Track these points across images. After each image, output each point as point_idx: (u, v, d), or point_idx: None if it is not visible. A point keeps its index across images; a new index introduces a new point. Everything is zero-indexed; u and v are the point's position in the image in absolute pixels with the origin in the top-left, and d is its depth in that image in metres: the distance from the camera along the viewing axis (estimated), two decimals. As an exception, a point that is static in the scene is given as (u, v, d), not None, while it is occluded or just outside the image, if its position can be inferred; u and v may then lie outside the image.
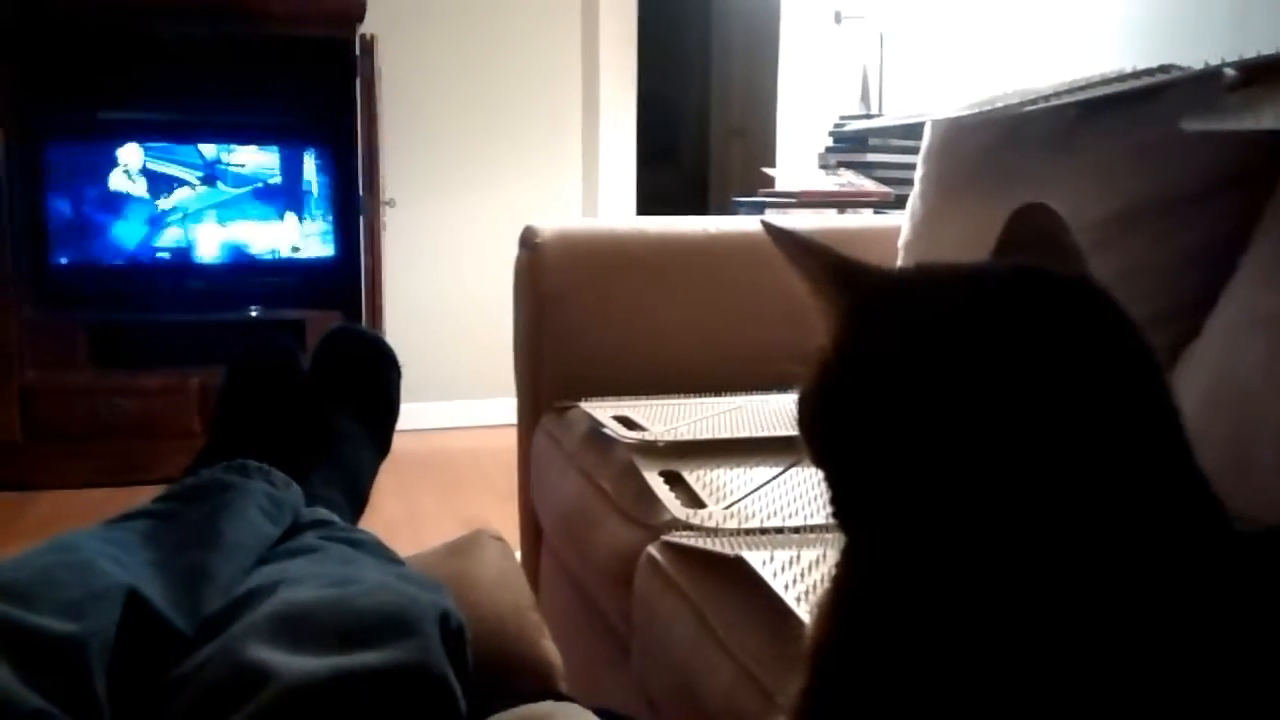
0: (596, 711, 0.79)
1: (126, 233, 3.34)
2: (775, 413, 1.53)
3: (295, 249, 3.47)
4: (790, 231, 0.54)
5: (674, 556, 1.12)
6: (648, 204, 4.04)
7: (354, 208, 3.44)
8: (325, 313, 3.31)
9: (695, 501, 1.23)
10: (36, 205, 3.24)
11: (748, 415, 1.54)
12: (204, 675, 0.70)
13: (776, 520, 1.14)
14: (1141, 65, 1.45)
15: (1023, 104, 1.54)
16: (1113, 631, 0.43)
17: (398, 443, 1.32)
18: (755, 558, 1.00)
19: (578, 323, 1.78)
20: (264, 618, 0.73)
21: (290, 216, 3.45)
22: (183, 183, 3.37)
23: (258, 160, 3.42)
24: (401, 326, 3.61)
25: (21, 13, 3.12)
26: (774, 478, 1.28)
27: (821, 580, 0.95)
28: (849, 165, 2.54)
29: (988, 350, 0.46)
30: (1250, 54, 1.26)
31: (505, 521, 1.95)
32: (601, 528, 1.33)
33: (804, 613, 0.87)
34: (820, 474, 0.51)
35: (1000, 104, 1.61)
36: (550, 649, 0.92)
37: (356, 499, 1.18)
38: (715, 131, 5.73)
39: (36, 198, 3.24)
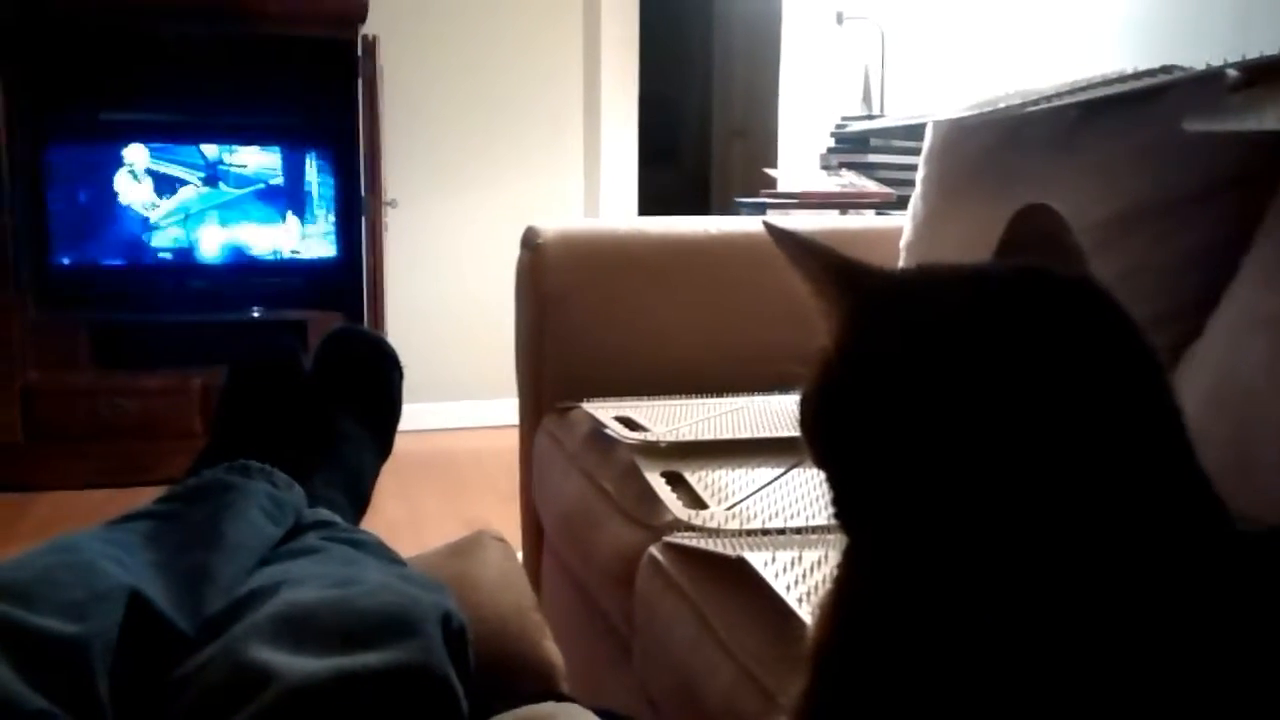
0: (598, 712, 0.79)
1: (128, 233, 3.34)
2: (777, 413, 1.53)
3: (297, 249, 3.47)
4: (792, 232, 0.54)
5: (676, 557, 1.12)
6: (649, 204, 4.04)
7: (356, 208, 3.44)
8: (327, 313, 3.31)
9: (697, 502, 1.23)
10: (38, 206, 3.24)
11: (750, 416, 1.54)
12: (206, 676, 0.70)
13: (778, 521, 1.13)
14: (1143, 66, 1.45)
15: (1024, 105, 1.54)
16: (1115, 633, 0.42)
17: (399, 443, 1.32)
18: (757, 559, 1.00)
19: (579, 323, 1.78)
20: (266, 618, 0.73)
21: (292, 217, 3.45)
22: (185, 183, 3.37)
23: (260, 161, 3.43)
24: (403, 327, 3.61)
25: (24, 14, 3.12)
26: (776, 479, 1.28)
27: (823, 581, 0.95)
28: (851, 166, 2.54)
29: (990, 351, 0.46)
30: (1252, 54, 1.26)
31: (507, 522, 1.95)
32: (603, 528, 1.33)
33: (805, 614, 0.87)
34: (822, 475, 0.51)
35: (1002, 105, 1.61)
36: (552, 649, 0.92)
37: (358, 500, 1.18)
38: (717, 132, 5.74)
39: (38, 198, 3.24)
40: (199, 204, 3.39)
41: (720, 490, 1.25)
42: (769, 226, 0.57)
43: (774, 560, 1.00)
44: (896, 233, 1.83)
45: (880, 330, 0.49)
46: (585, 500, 1.43)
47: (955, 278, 0.50)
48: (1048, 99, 1.50)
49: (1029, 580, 0.43)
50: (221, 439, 1.16)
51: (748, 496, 1.22)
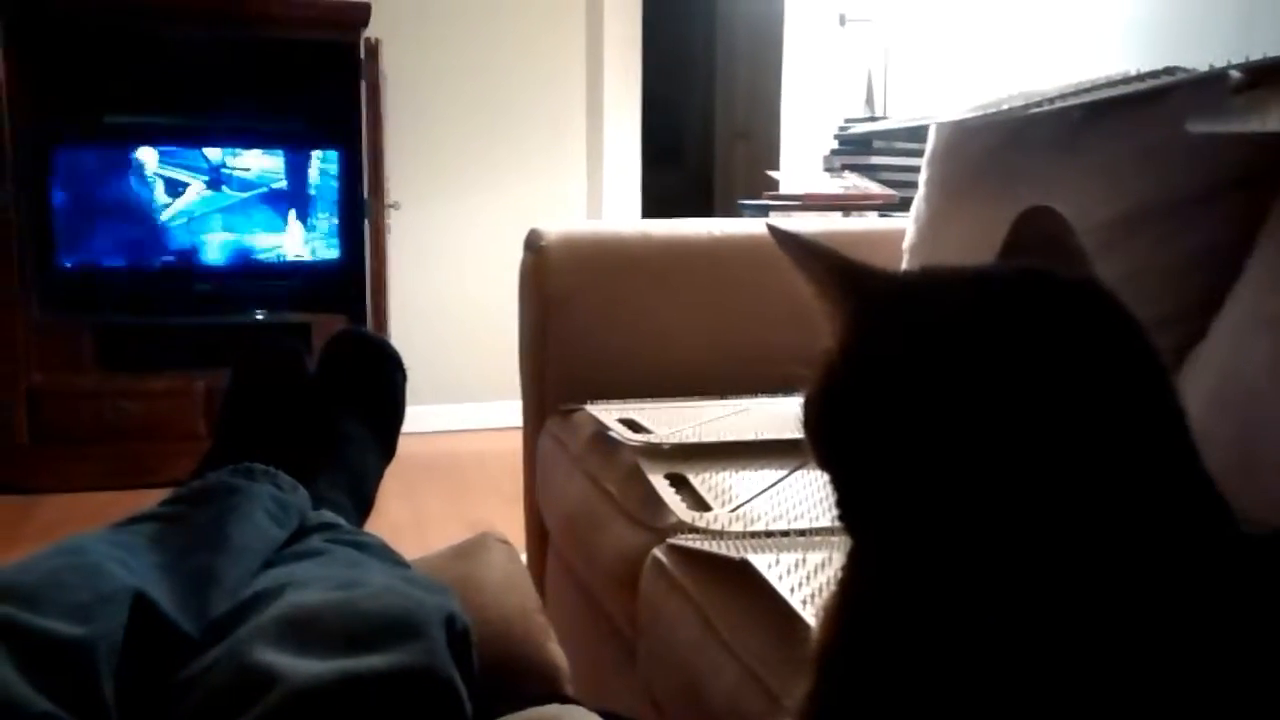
0: (602, 714, 0.79)
1: (133, 236, 3.35)
2: (780, 415, 1.53)
3: (300, 252, 3.47)
4: (795, 234, 0.54)
5: (679, 559, 1.12)
6: (652, 206, 4.04)
7: (359, 211, 3.44)
8: (330, 316, 3.31)
9: (700, 504, 1.23)
10: (43, 208, 3.24)
11: (753, 418, 1.54)
12: (210, 678, 0.70)
13: (782, 523, 1.13)
14: (1146, 67, 1.45)
15: (1027, 106, 1.54)
16: (1119, 634, 0.43)
17: (403, 445, 1.32)
18: (761, 561, 1.00)
19: (582, 325, 1.78)
20: (270, 621, 0.74)
21: (295, 220, 3.46)
22: (189, 186, 3.38)
23: (263, 164, 3.43)
24: (407, 329, 3.62)
25: (30, 16, 3.13)
26: (779, 481, 1.28)
27: (827, 583, 0.95)
28: (853, 168, 2.54)
29: (993, 353, 0.46)
30: (1256, 56, 1.26)
31: (511, 524, 1.95)
32: (607, 530, 1.33)
33: (809, 616, 0.87)
34: (825, 477, 0.51)
35: (1005, 106, 1.61)
36: (556, 652, 0.92)
37: (362, 502, 1.19)
38: (720, 134, 5.74)
39: (43, 201, 3.24)
40: (203, 207, 3.39)
41: (724, 492, 1.25)
42: (772, 228, 0.57)
43: (778, 562, 1.00)
44: (899, 235, 1.83)
45: (883, 332, 0.49)
46: (589, 502, 1.43)
47: (958, 280, 0.50)
48: (1051, 100, 1.50)
49: (1032, 582, 0.43)
50: (226, 441, 1.16)
51: (751, 499, 1.22)
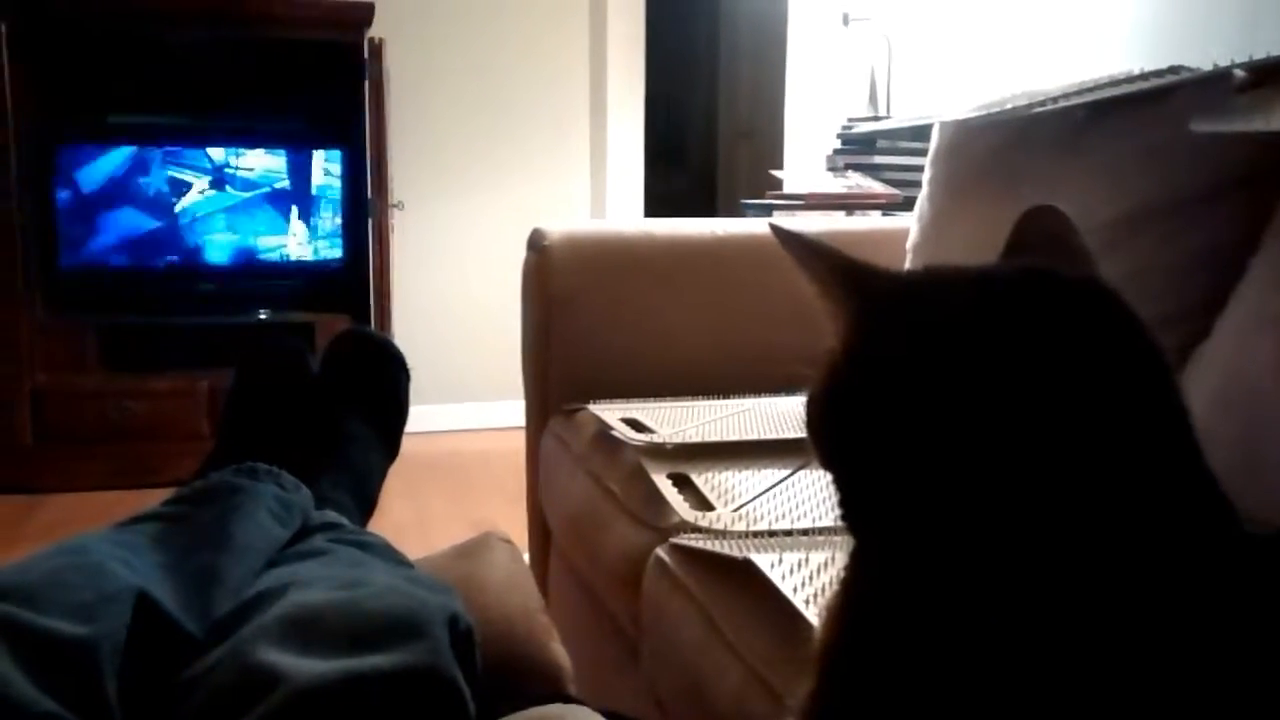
0: (605, 714, 0.79)
1: (136, 236, 3.35)
2: (784, 415, 1.53)
3: (304, 252, 3.47)
4: (798, 234, 0.54)
5: (682, 559, 1.12)
6: (655, 206, 4.04)
7: (362, 210, 3.44)
8: (334, 315, 3.32)
9: (704, 504, 1.23)
10: (47, 208, 3.25)
11: (756, 417, 1.54)
12: (214, 678, 0.70)
13: (785, 523, 1.13)
14: (1150, 67, 1.45)
15: (1031, 106, 1.54)
16: (1122, 635, 0.42)
17: (406, 445, 1.33)
18: (764, 560, 1.00)
19: (586, 325, 1.78)
20: (274, 620, 0.74)
21: (299, 220, 3.46)
22: (192, 186, 3.38)
23: (266, 164, 3.43)
24: (410, 329, 3.62)
25: (33, 17, 3.13)
26: (782, 480, 1.28)
27: (830, 583, 0.95)
28: (857, 167, 2.54)
29: (996, 352, 0.46)
30: (1260, 55, 1.25)
31: (514, 524, 1.95)
32: (610, 530, 1.33)
33: (813, 615, 0.87)
34: (829, 476, 0.51)
35: (1008, 106, 1.61)
36: (559, 651, 0.92)
37: (365, 501, 1.19)
38: (723, 133, 5.74)
39: (47, 201, 3.25)
40: (207, 206, 3.39)
41: (727, 492, 1.25)
42: (775, 228, 0.57)
43: (781, 562, 1.00)
44: (903, 234, 1.83)
45: (887, 332, 0.49)
46: (592, 502, 1.43)
47: (962, 279, 0.50)
48: (1054, 100, 1.50)
49: (1036, 582, 0.43)
50: (229, 441, 1.17)
51: (754, 498, 1.22)
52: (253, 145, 3.42)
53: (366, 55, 3.36)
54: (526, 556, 1.84)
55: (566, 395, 1.75)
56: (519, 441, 1.94)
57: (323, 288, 3.49)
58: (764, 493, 1.24)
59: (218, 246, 3.42)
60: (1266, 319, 1.09)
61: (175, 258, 3.39)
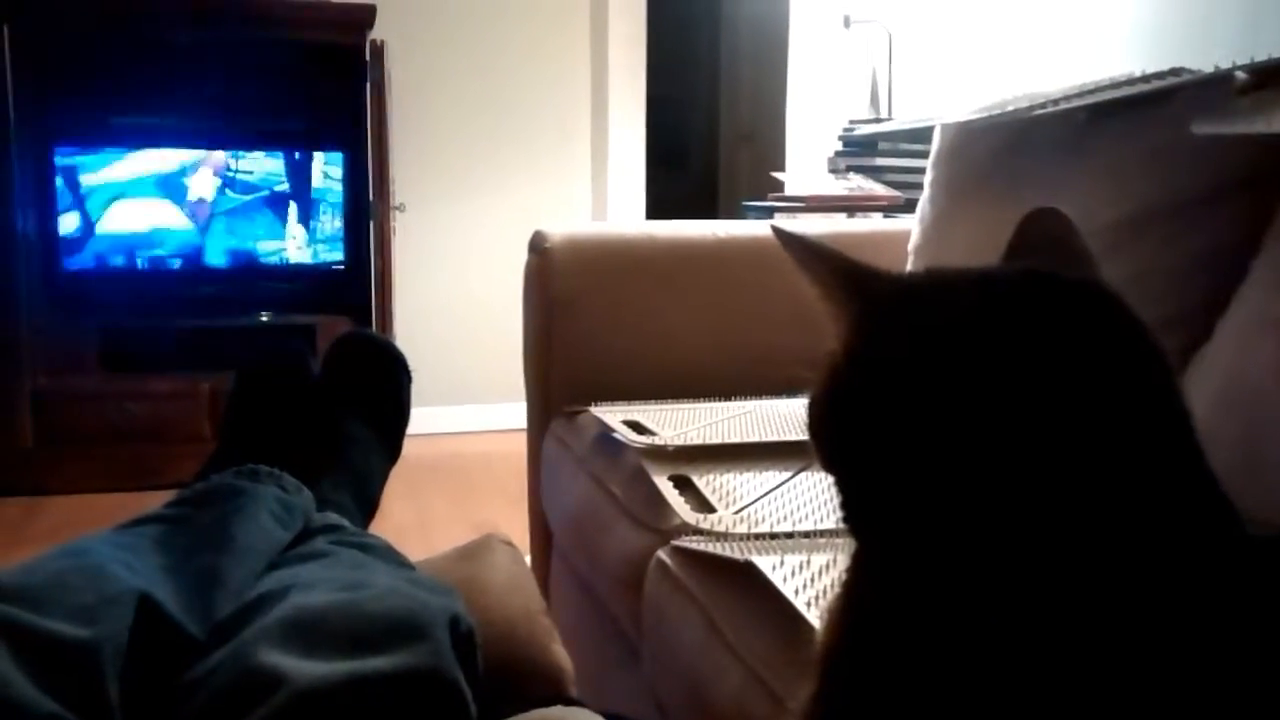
0: (606, 716, 0.79)
1: (137, 238, 3.35)
2: (785, 417, 1.53)
3: (305, 254, 3.47)
4: (799, 236, 0.54)
5: (684, 561, 1.12)
6: (657, 208, 4.04)
7: (364, 213, 3.45)
8: (335, 318, 3.31)
9: (705, 506, 1.23)
10: (48, 210, 3.25)
11: (757, 420, 1.54)
12: (216, 680, 0.70)
13: (786, 525, 1.13)
14: (1151, 69, 1.45)
15: (1032, 108, 1.54)
16: (1123, 637, 0.42)
17: (408, 447, 1.33)
18: (765, 563, 1.00)
19: (587, 327, 1.78)
20: (275, 622, 0.74)
21: (300, 222, 3.46)
22: (193, 188, 3.38)
23: (268, 166, 3.43)
24: (411, 331, 3.62)
25: (34, 19, 3.14)
26: (784, 482, 1.28)
27: (831, 585, 0.95)
28: (858, 169, 2.54)
29: (998, 355, 0.46)
30: (1261, 57, 1.25)
31: (515, 526, 1.95)
32: (611, 532, 1.33)
33: (814, 618, 0.87)
34: (830, 479, 0.51)
35: (1010, 108, 1.61)
36: (560, 653, 0.92)
37: (367, 503, 1.19)
38: (724, 135, 5.74)
39: (48, 202, 3.25)
40: (208, 209, 3.39)
41: (728, 494, 1.25)
42: (777, 230, 0.57)
43: (782, 564, 1.00)
44: (904, 236, 1.83)
45: (888, 334, 0.49)
46: (593, 504, 1.43)
47: (963, 281, 0.50)
48: (1056, 102, 1.50)
49: (1037, 584, 0.43)
50: (230, 443, 1.17)
51: (756, 500, 1.22)
52: (254, 147, 3.42)
53: (368, 57, 3.36)
54: (528, 558, 1.84)
55: (568, 397, 1.75)
56: (520, 443, 1.94)
57: (324, 290, 3.49)
58: (765, 495, 1.24)
59: (219, 248, 3.42)
60: (1268, 321, 1.09)
61: (176, 260, 3.39)
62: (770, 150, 4.04)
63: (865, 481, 0.49)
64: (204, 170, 3.39)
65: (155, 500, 0.96)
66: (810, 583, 0.96)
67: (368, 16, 3.37)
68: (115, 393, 3.22)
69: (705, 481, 1.29)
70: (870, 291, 0.51)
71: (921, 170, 1.86)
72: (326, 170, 3.46)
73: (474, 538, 1.07)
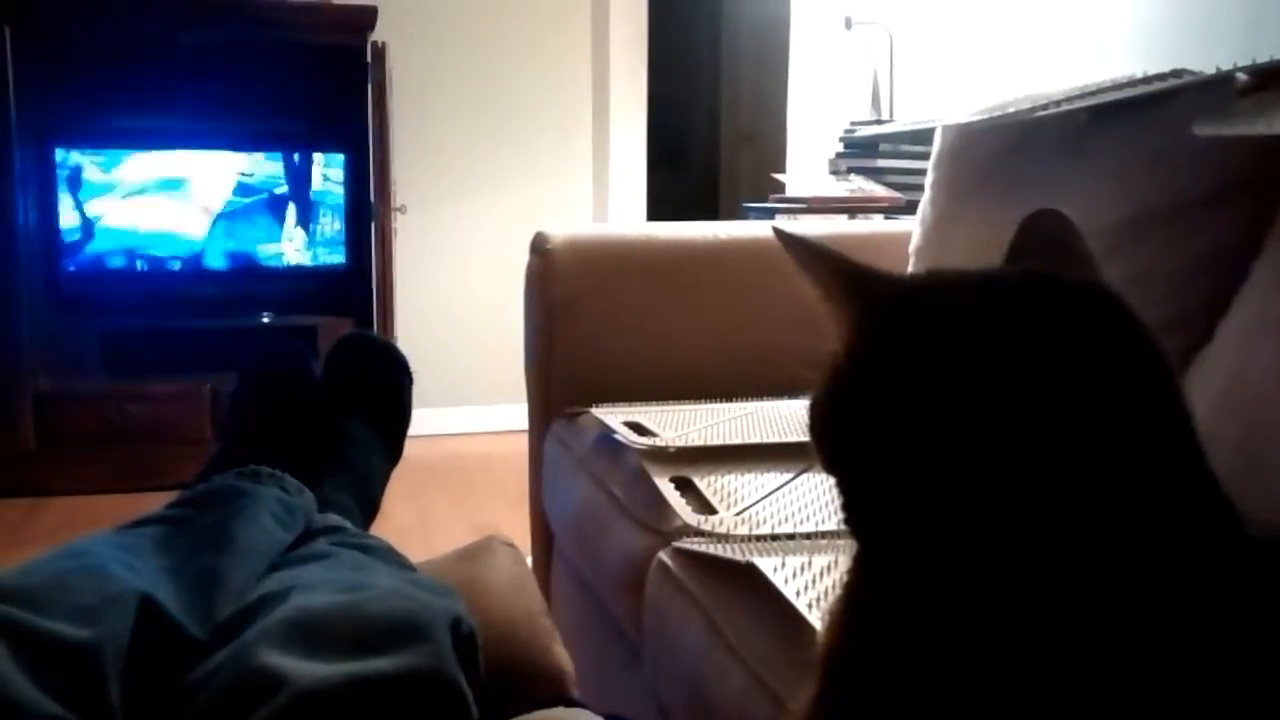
0: (608, 717, 0.79)
1: (139, 239, 3.35)
2: (786, 418, 1.53)
3: (306, 256, 3.47)
4: (801, 237, 0.54)
5: (685, 562, 1.12)
6: (658, 209, 4.04)
7: (365, 214, 3.45)
8: (337, 319, 3.32)
9: (706, 507, 1.23)
10: (49, 211, 3.25)
11: (759, 421, 1.54)
12: (217, 681, 0.70)
13: (788, 526, 1.13)
14: (1153, 70, 1.45)
15: (1034, 109, 1.54)
16: (1124, 639, 0.42)
17: (409, 448, 1.33)
18: (766, 564, 1.00)
19: (588, 328, 1.78)
20: (277, 624, 0.74)
21: (302, 223, 3.46)
22: (195, 189, 3.38)
23: (269, 167, 3.43)
24: (413, 332, 3.62)
25: (35, 19, 3.14)
26: (785, 484, 1.28)
27: (833, 587, 0.95)
28: (859, 170, 2.54)
29: (999, 356, 0.46)
30: (1263, 58, 1.25)
31: (516, 527, 1.95)
32: (612, 533, 1.33)
33: (815, 619, 0.87)
34: (831, 480, 0.51)
35: (1011, 109, 1.61)
36: (562, 655, 0.92)
37: (368, 505, 1.19)
38: (725, 136, 5.74)
39: (49, 204, 3.25)
40: (209, 210, 3.39)
41: (729, 495, 1.25)
42: (778, 231, 0.57)
43: (783, 565, 1.00)
44: (905, 237, 1.83)
45: (889, 335, 0.49)
46: (594, 505, 1.43)
47: (964, 283, 0.50)
48: (1057, 103, 1.50)
49: (1038, 586, 0.43)
50: (232, 444, 1.17)
51: (757, 502, 1.22)
52: (256, 149, 3.42)
53: (369, 59, 3.37)
54: (529, 560, 1.84)
55: (569, 398, 1.75)
56: (521, 445, 1.94)
57: (326, 291, 3.49)
58: (767, 496, 1.24)
59: (220, 249, 3.42)
60: (1269, 322, 1.09)
61: (178, 261, 3.40)
62: (771, 151, 4.04)
63: (866, 483, 0.49)
64: (205, 171, 3.39)
65: (156, 501, 0.96)
66: (812, 584, 0.96)
67: (369, 18, 3.37)
68: (116, 394, 3.22)
69: (706, 483, 1.29)
70: (871, 293, 0.51)
71: (922, 172, 1.86)
72: (327, 171, 3.46)
73: (475, 539, 1.07)
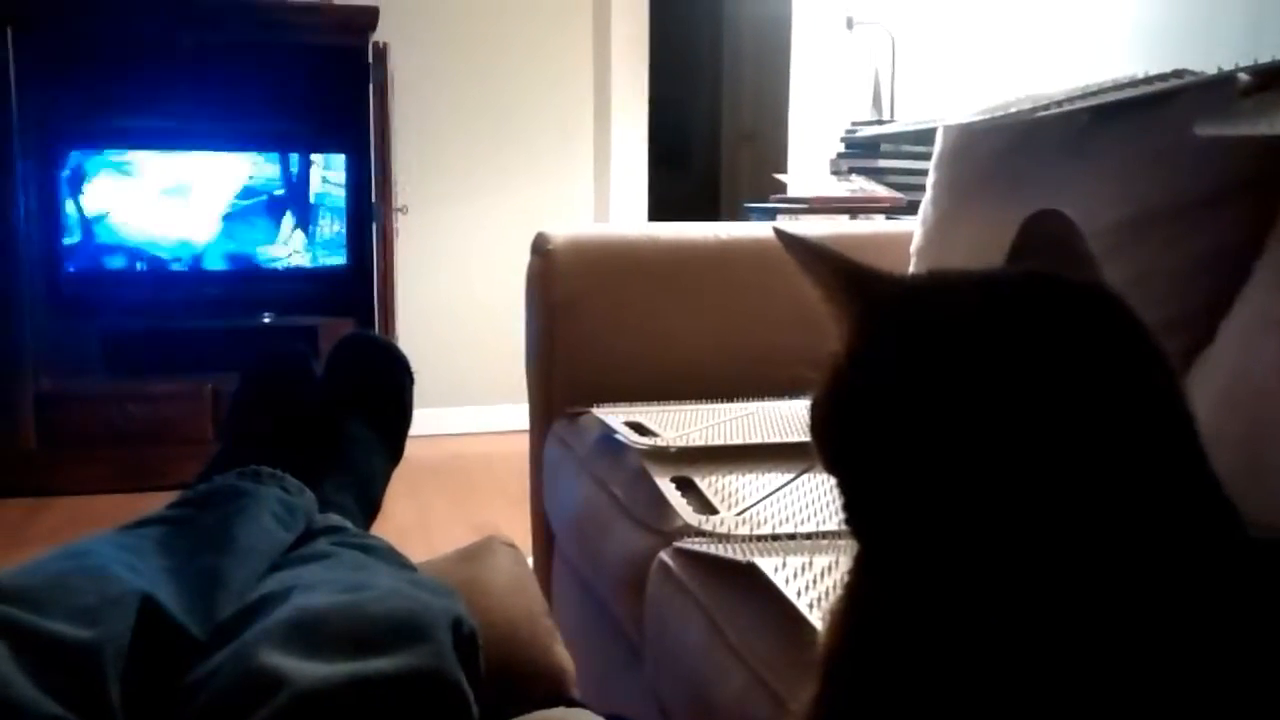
0: (608, 717, 0.79)
1: (140, 240, 3.35)
2: (787, 418, 1.53)
3: (308, 256, 3.48)
4: (802, 237, 0.54)
5: (686, 563, 1.12)
6: (659, 209, 4.04)
7: (367, 214, 3.45)
8: (338, 319, 3.32)
9: (707, 507, 1.23)
10: (51, 212, 3.26)
11: (760, 421, 1.54)
12: (218, 681, 0.70)
13: (789, 526, 1.13)
14: (1154, 70, 1.45)
15: (1035, 109, 1.54)
16: (1125, 640, 0.42)
17: (410, 448, 1.33)
18: (767, 564, 1.00)
19: (589, 329, 1.78)
20: (277, 624, 0.74)
21: (303, 224, 3.46)
22: (197, 190, 3.38)
23: (271, 167, 3.44)
24: (414, 332, 3.62)
25: (38, 20, 3.14)
26: (786, 484, 1.28)
27: (834, 587, 0.95)
28: (861, 171, 2.54)
29: (1000, 356, 0.46)
30: (1264, 58, 1.25)
31: (517, 527, 1.95)
32: (613, 533, 1.33)
33: (816, 620, 0.87)
34: (832, 480, 0.51)
35: (1012, 109, 1.61)
36: (562, 655, 0.92)
37: (369, 505, 1.19)
38: (727, 137, 5.74)
39: (51, 205, 3.26)
40: (211, 210, 3.40)
41: (731, 495, 1.25)
42: (779, 232, 0.57)
43: (785, 566, 1.00)
44: (907, 238, 1.83)
45: (890, 336, 0.49)
46: (595, 505, 1.43)
47: (966, 283, 0.50)
48: (1058, 104, 1.50)
49: (1039, 587, 0.43)
50: (233, 444, 1.17)
51: (758, 502, 1.22)
52: (257, 149, 3.42)
53: (371, 59, 3.37)
54: (530, 560, 1.84)
55: (570, 399, 1.75)
56: (522, 445, 1.94)
57: (327, 292, 3.49)
58: (768, 496, 1.24)
59: (222, 250, 3.42)
60: (1271, 322, 1.09)
61: (179, 261, 3.40)
62: (772, 152, 4.04)
63: (867, 483, 0.49)
64: (207, 172, 3.39)
65: (157, 501, 0.96)
66: (812, 584, 0.96)
67: (371, 19, 3.37)
68: (118, 394, 3.22)
69: (707, 483, 1.29)
70: (872, 293, 0.51)
71: (924, 172, 1.86)
72: (328, 172, 3.46)
73: (476, 539, 1.07)
